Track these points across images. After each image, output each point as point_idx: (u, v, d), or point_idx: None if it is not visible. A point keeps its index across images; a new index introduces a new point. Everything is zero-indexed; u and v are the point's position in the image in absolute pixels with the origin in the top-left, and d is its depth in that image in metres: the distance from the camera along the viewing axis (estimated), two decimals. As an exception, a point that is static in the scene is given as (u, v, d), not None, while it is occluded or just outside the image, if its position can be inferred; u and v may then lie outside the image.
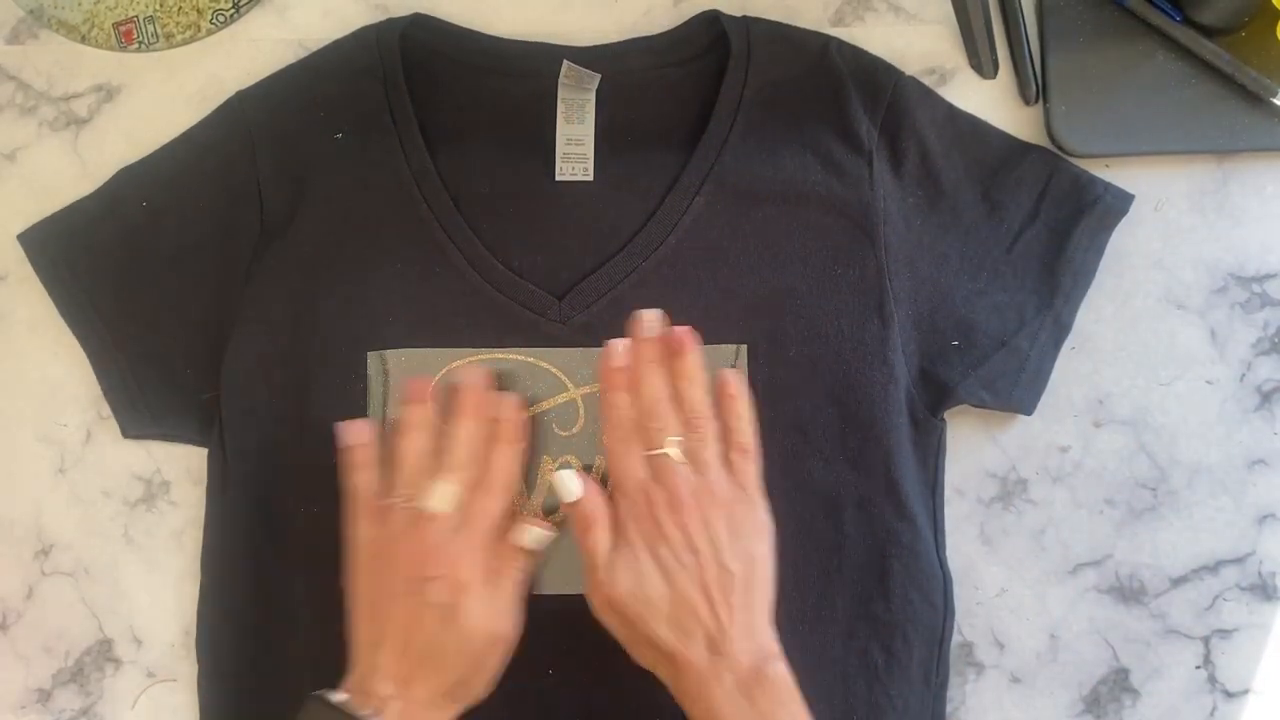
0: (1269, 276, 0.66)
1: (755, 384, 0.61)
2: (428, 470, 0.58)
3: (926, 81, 0.67)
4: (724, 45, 0.66)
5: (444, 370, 0.62)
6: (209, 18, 0.69)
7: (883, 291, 0.62)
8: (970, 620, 0.65)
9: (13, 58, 0.70)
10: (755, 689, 0.53)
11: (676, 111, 0.66)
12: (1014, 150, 0.66)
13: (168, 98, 0.69)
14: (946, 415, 0.64)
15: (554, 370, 0.62)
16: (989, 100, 0.67)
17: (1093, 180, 0.65)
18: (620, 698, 0.61)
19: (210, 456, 0.65)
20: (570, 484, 0.58)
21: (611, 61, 0.66)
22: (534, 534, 0.59)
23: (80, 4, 0.69)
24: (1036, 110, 0.67)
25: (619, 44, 0.67)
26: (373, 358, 0.63)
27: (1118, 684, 0.64)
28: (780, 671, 0.54)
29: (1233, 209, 0.67)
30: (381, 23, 0.67)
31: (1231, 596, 0.64)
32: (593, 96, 0.65)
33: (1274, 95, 0.65)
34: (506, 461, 0.59)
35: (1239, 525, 0.65)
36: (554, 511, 0.62)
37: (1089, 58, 0.67)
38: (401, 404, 0.61)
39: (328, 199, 0.64)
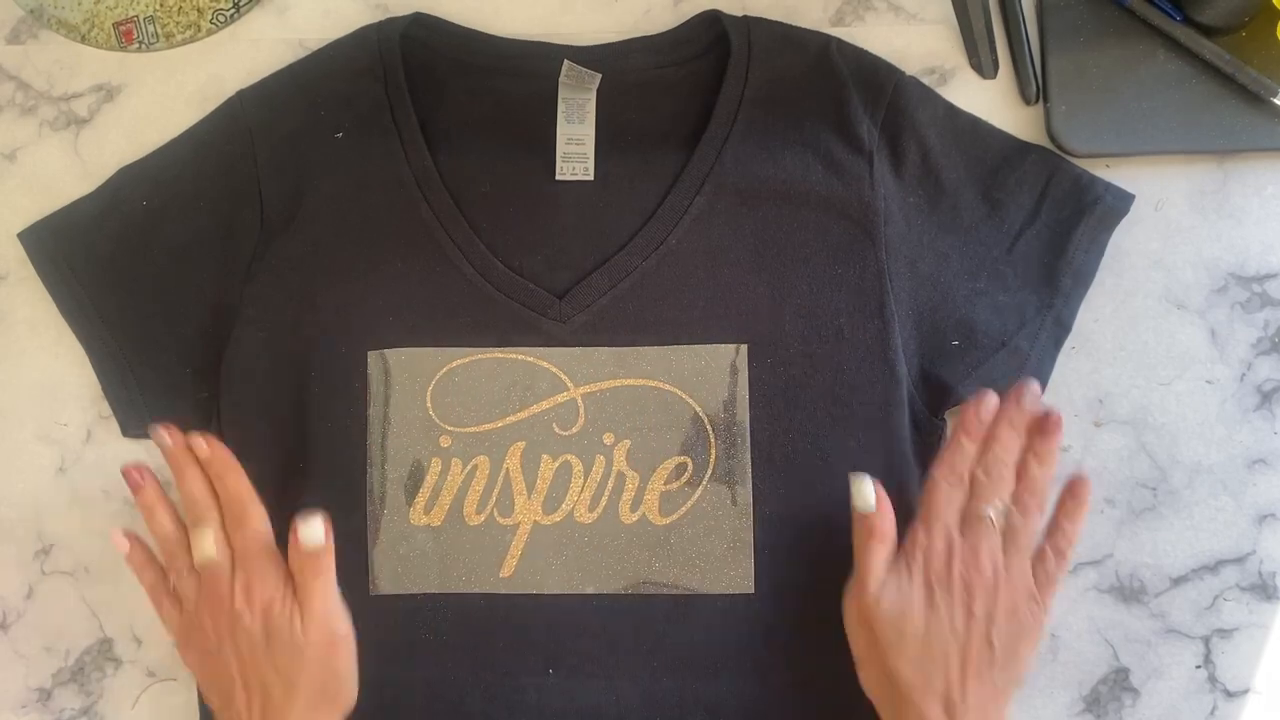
0: (1269, 276, 0.66)
1: (755, 384, 0.62)
2: (179, 539, 0.60)
3: (926, 81, 0.67)
4: (724, 45, 0.66)
5: (445, 368, 0.62)
6: (209, 18, 0.69)
7: (883, 291, 0.62)
8: (970, 620, 0.65)
9: (13, 58, 0.70)
10: None
11: (677, 111, 0.66)
12: (1015, 150, 0.66)
13: (168, 98, 0.69)
14: (948, 415, 0.64)
15: (554, 369, 0.62)
16: (989, 100, 0.67)
17: (1093, 180, 0.65)
18: (619, 697, 0.61)
19: None
20: (868, 494, 0.58)
21: (612, 61, 0.66)
22: (309, 531, 0.58)
23: (80, 4, 0.69)
24: (1036, 110, 0.67)
25: (619, 44, 0.67)
26: (373, 357, 0.63)
27: (1118, 683, 0.64)
28: None
29: (1233, 209, 0.67)
30: (382, 22, 0.67)
31: (1231, 596, 0.64)
32: (593, 96, 0.65)
33: (1274, 95, 0.65)
34: (234, 486, 0.60)
35: (1239, 525, 0.65)
36: (554, 511, 0.62)
37: (1089, 58, 0.67)
38: (136, 499, 0.61)
39: (328, 198, 0.64)
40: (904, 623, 0.55)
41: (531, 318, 0.63)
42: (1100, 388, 0.66)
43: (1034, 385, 0.58)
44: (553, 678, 0.61)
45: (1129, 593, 0.65)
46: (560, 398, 0.63)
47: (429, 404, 0.62)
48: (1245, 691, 0.64)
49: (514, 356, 0.63)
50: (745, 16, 0.66)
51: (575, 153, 0.65)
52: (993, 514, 0.57)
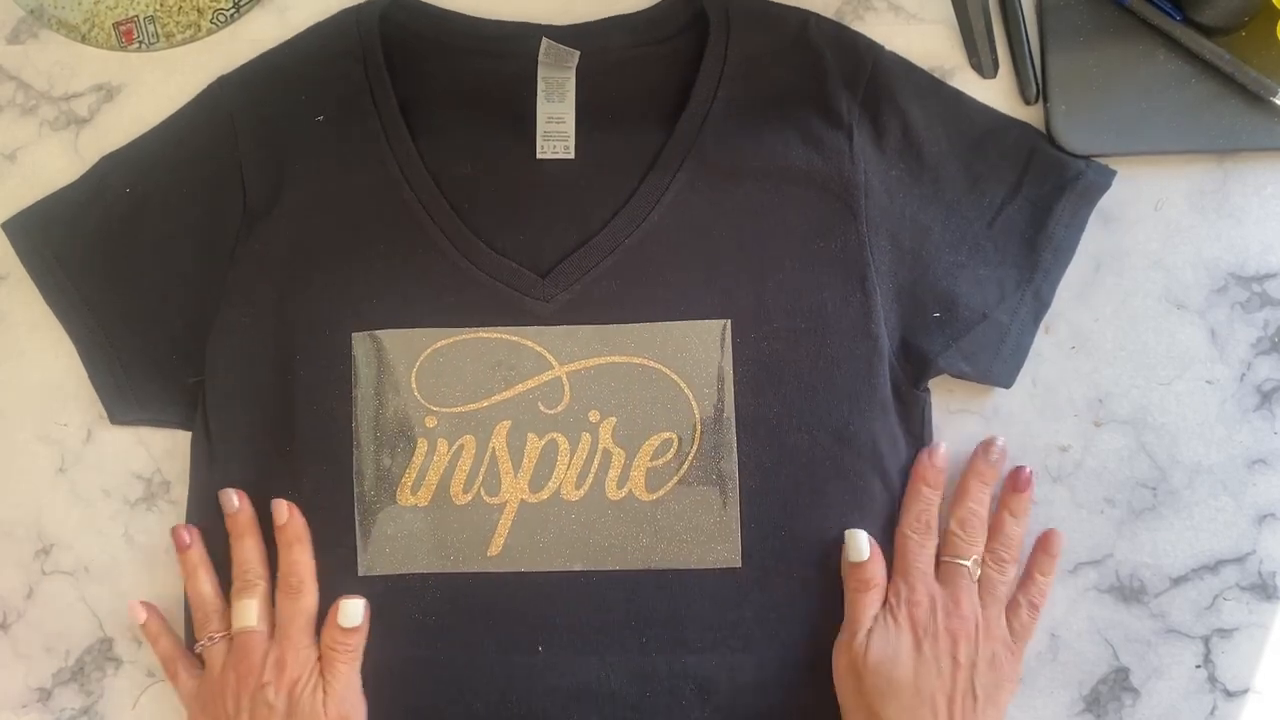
0: (1269, 276, 0.66)
1: (739, 359, 0.62)
2: (216, 604, 0.62)
3: (926, 81, 0.67)
4: (703, 23, 0.66)
5: (430, 349, 0.63)
6: (209, 18, 0.69)
7: (865, 265, 0.63)
8: (970, 620, 0.65)
9: (13, 58, 0.70)
10: None
11: (656, 89, 0.66)
12: (998, 125, 0.66)
13: (168, 98, 0.69)
14: (948, 414, 0.64)
15: (538, 348, 0.63)
16: (989, 100, 0.67)
17: (1075, 156, 0.65)
18: (609, 673, 0.61)
19: (194, 439, 0.65)
20: (862, 545, 0.60)
21: (591, 40, 0.66)
22: (350, 610, 0.60)
23: (80, 4, 0.69)
24: (1036, 110, 0.67)
25: (598, 22, 0.67)
26: (358, 339, 0.63)
27: (1118, 683, 0.64)
28: None
29: (1233, 209, 0.67)
30: (360, 5, 0.67)
31: (1231, 596, 0.64)
32: (573, 74, 0.65)
33: (1274, 95, 0.65)
34: (298, 559, 0.61)
35: (1239, 525, 0.65)
36: (540, 489, 0.62)
37: (1089, 58, 0.67)
38: (180, 558, 0.63)
39: (310, 181, 0.65)
40: (893, 670, 0.57)
41: (515, 297, 0.63)
42: (1100, 388, 0.66)
43: (1000, 441, 0.63)
44: (542, 655, 0.61)
45: (1129, 593, 0.65)
46: (545, 376, 0.63)
47: (414, 385, 0.63)
48: (1245, 691, 0.64)
49: (498, 336, 0.63)
50: None
51: (555, 131, 0.65)
52: (970, 565, 0.60)
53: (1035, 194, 0.65)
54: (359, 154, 0.65)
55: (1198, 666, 0.64)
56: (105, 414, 0.66)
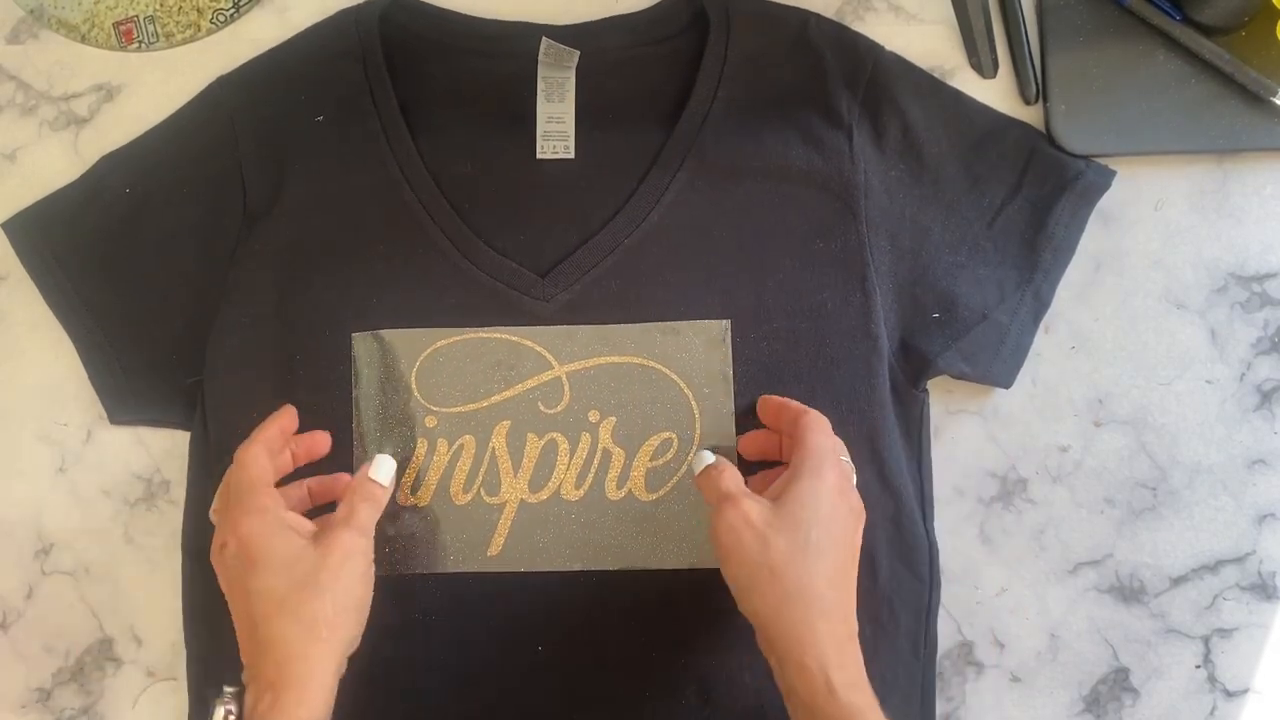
0: (1269, 276, 0.66)
1: (739, 359, 0.62)
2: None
3: (926, 81, 0.67)
4: (703, 23, 0.66)
5: (430, 349, 0.63)
6: (209, 18, 0.69)
7: (865, 265, 0.63)
8: (970, 620, 0.65)
9: (13, 58, 0.70)
10: None
11: (656, 89, 0.66)
12: (997, 125, 0.66)
13: (168, 98, 0.69)
14: (948, 414, 0.64)
15: (538, 348, 0.63)
16: (989, 100, 0.67)
17: (1075, 157, 0.65)
18: (609, 673, 0.61)
19: (193, 439, 0.65)
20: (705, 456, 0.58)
21: (591, 40, 0.66)
22: (381, 466, 0.59)
23: (80, 4, 0.69)
24: (1036, 110, 0.67)
25: (597, 22, 0.67)
26: (358, 339, 0.63)
27: (1118, 683, 0.64)
28: None
29: (1233, 209, 0.67)
30: (360, 5, 0.67)
31: (1231, 596, 0.64)
32: (573, 74, 0.65)
33: (1274, 95, 0.65)
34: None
35: (1239, 525, 0.65)
36: (540, 489, 0.62)
37: (1089, 58, 0.67)
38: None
39: (310, 181, 0.65)
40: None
41: (515, 297, 0.63)
42: (1100, 388, 0.66)
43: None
44: (542, 655, 0.61)
45: (1129, 593, 0.65)
46: (545, 376, 0.63)
47: (414, 385, 0.63)
48: (1245, 691, 0.64)
49: (498, 336, 0.63)
50: None
51: (555, 130, 0.65)
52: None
53: (1035, 194, 0.65)
54: (359, 154, 0.65)
55: (1198, 666, 0.64)
56: (105, 414, 0.66)
